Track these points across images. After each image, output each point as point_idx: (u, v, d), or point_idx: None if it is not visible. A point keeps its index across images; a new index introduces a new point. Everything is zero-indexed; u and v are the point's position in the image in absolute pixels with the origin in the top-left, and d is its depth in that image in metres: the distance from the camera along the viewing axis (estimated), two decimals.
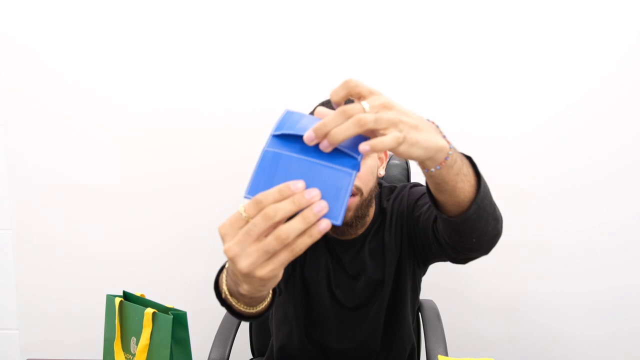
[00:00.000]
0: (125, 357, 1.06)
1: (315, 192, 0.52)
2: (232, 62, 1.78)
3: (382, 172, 1.19)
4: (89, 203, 1.87)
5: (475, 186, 0.73)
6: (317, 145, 0.56)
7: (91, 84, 1.82)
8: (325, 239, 1.17)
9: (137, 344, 1.01)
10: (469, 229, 0.77)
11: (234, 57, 1.78)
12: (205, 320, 1.55)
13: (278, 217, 0.51)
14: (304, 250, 0.53)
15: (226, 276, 0.71)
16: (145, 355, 1.00)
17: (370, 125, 0.54)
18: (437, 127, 0.65)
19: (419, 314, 1.42)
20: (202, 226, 1.85)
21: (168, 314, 0.98)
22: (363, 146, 0.54)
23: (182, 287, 1.86)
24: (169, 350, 0.97)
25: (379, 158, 1.17)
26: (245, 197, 0.55)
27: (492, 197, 0.79)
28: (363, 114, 0.54)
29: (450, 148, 0.64)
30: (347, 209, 1.07)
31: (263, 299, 0.75)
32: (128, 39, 1.80)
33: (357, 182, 1.07)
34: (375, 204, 1.19)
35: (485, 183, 0.75)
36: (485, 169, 1.76)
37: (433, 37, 1.74)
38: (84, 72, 1.82)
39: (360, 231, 1.17)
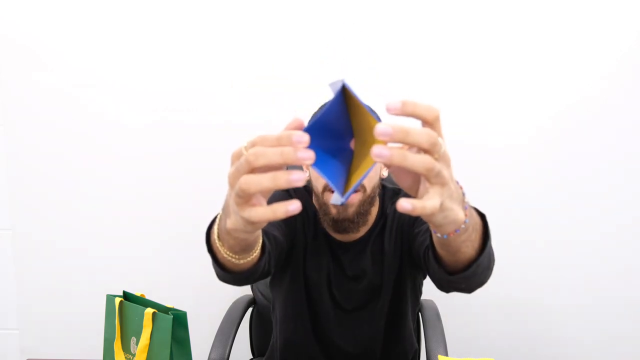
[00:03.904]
0: (125, 357, 1.06)
1: (309, 155, 0.45)
2: (234, 65, 1.78)
3: (385, 173, 1.19)
4: (89, 203, 1.87)
5: (478, 249, 0.67)
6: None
7: (92, 84, 1.82)
8: (328, 240, 1.18)
9: (137, 344, 1.01)
10: (462, 280, 0.73)
11: (237, 61, 1.78)
12: (205, 320, 1.54)
13: (257, 164, 0.46)
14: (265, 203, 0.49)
15: (220, 214, 0.67)
16: (145, 355, 1.00)
17: (430, 176, 0.48)
18: (463, 194, 0.58)
19: (419, 314, 1.42)
20: (202, 226, 1.83)
21: (168, 314, 0.98)
22: (404, 204, 0.47)
23: (182, 287, 1.86)
24: (169, 350, 0.97)
25: None
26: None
27: (492, 248, 0.73)
28: (435, 162, 0.47)
29: (465, 222, 0.57)
30: (350, 205, 1.09)
31: (249, 249, 0.71)
32: (128, 38, 1.80)
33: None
34: (378, 205, 1.19)
35: (489, 243, 0.69)
36: (487, 171, 1.79)
37: (431, 41, 1.74)
38: (84, 72, 1.82)
39: (362, 231, 1.17)
